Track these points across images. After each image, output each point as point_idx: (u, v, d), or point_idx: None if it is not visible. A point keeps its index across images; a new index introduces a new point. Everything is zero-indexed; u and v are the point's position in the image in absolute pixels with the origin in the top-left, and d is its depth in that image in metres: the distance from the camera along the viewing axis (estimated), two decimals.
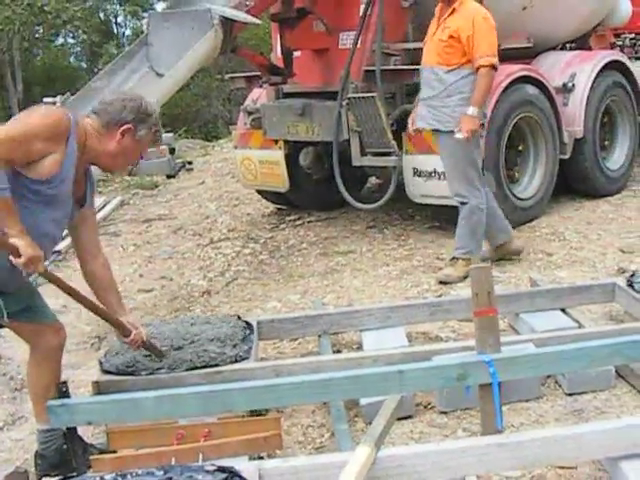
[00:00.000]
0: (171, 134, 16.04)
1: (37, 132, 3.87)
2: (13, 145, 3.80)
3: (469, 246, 6.89)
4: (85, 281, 4.52)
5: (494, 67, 6.58)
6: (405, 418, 4.53)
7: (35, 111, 4.02)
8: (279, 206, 10.18)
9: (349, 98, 7.93)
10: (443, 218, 8.47)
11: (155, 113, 4.34)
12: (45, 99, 8.04)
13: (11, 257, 3.85)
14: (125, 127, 4.16)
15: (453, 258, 6.95)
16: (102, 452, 4.39)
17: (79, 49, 41.34)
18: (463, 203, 6.85)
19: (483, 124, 6.99)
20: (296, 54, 8.69)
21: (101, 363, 4.80)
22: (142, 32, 8.39)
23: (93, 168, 4.40)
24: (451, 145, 6.74)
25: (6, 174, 3.80)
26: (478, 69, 6.54)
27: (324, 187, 9.32)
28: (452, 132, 6.65)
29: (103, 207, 11.18)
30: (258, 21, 8.27)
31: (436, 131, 6.89)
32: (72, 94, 7.55)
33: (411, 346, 5.20)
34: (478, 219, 6.85)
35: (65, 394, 4.06)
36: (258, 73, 9.12)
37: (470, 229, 6.88)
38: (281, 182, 9.20)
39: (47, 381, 4.39)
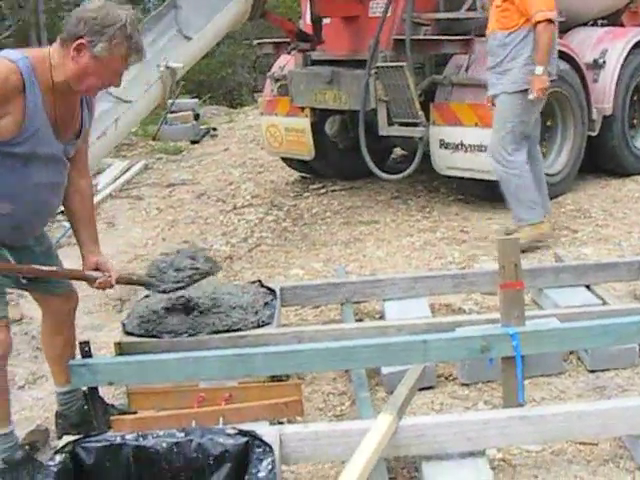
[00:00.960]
0: (196, 100, 16.01)
1: None
2: None
3: (520, 214, 6.91)
4: (64, 210, 4.24)
5: (551, 21, 6.53)
6: (426, 389, 4.52)
7: None
8: (303, 174, 10.16)
9: (378, 67, 7.88)
10: (468, 191, 8.43)
11: (120, 22, 3.69)
12: None
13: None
14: (77, 42, 3.67)
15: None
16: (122, 413, 4.40)
17: None
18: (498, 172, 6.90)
19: (553, 81, 6.91)
20: (325, 21, 8.64)
21: (124, 325, 4.80)
22: None
23: None
24: (503, 105, 6.78)
25: None
26: (535, 26, 6.51)
27: (349, 156, 9.28)
28: (515, 93, 6.68)
29: (127, 170, 11.18)
30: None
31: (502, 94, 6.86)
32: None
33: (434, 317, 5.19)
34: (516, 185, 6.84)
35: (87, 354, 4.07)
36: (286, 39, 9.06)
37: (513, 197, 6.92)
38: (306, 150, 9.16)
39: (60, 346, 4.40)
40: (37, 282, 4.21)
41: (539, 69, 6.51)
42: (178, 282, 4.59)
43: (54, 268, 4.12)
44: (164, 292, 4.63)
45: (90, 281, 4.15)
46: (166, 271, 4.63)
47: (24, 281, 4.11)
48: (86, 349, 4.06)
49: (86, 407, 4.44)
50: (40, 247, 4.18)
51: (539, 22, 6.48)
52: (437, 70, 8.32)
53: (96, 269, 4.13)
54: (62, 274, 4.21)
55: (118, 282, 4.29)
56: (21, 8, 25.50)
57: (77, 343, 4.15)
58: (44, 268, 4.05)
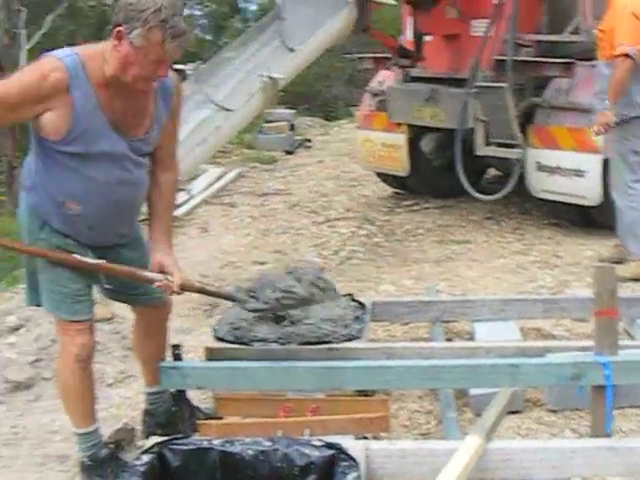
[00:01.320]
0: (292, 111, 16.12)
1: (20, 94, 3.55)
2: None
3: (629, 247, 6.77)
4: (147, 199, 4.06)
5: (628, 56, 6.29)
6: (513, 413, 4.46)
7: (23, 70, 3.73)
8: (396, 190, 10.15)
9: (478, 87, 7.87)
10: (562, 215, 8.35)
11: (155, 6, 3.50)
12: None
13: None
14: (116, 30, 3.54)
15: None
16: (208, 417, 4.44)
17: (205, 21, 41.85)
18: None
19: (622, 119, 6.57)
20: (427, 38, 8.64)
21: (214, 330, 4.83)
22: (270, 7, 8.43)
23: None
24: (612, 136, 6.65)
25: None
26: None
27: (443, 174, 9.27)
28: (619, 124, 6.52)
29: (221, 177, 11.30)
30: (393, 2, 8.25)
31: None
32: (203, 63, 7.64)
33: (524, 341, 5.14)
34: (631, 219, 6.68)
35: (178, 357, 4.12)
36: (386, 55, 9.09)
37: (625, 230, 6.76)
38: (401, 166, 9.17)
39: (151, 349, 4.41)
40: (126, 294, 4.21)
41: (606, 103, 6.41)
42: (266, 303, 4.49)
43: (115, 266, 3.93)
44: (247, 310, 4.60)
45: (151, 283, 3.99)
46: (263, 289, 4.62)
47: (107, 286, 4.05)
48: (177, 352, 4.11)
49: (173, 409, 4.48)
50: (130, 252, 4.07)
51: (616, 56, 6.33)
52: (537, 92, 8.25)
53: (161, 270, 3.97)
54: (121, 272, 3.99)
55: (184, 289, 4.07)
56: None
57: (170, 345, 4.18)
58: (104, 265, 3.90)
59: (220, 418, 4.38)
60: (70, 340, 3.94)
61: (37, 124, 3.67)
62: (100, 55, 3.64)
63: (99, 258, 3.92)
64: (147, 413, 4.58)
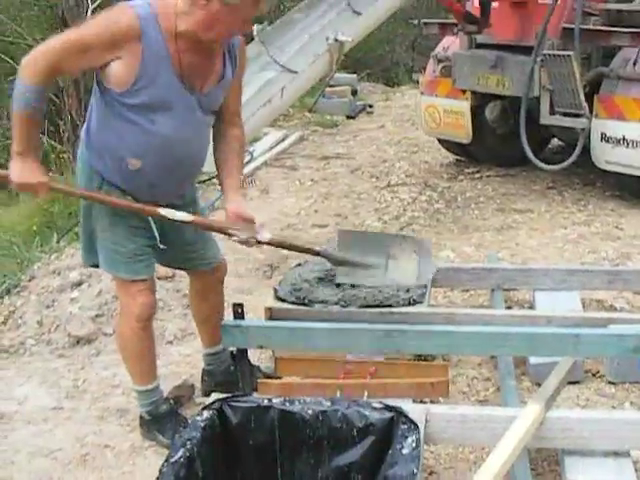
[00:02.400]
0: (354, 75, 16.06)
1: (93, 39, 3.57)
2: (68, 54, 3.58)
3: None
4: (214, 151, 4.08)
5: None
6: (572, 383, 4.45)
7: (100, 15, 3.74)
8: (458, 157, 10.10)
9: (544, 55, 7.75)
10: (626, 187, 8.25)
11: None
12: None
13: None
14: None
15: None
16: (268, 377, 4.48)
17: None
18: None
19: None
20: (494, 4, 8.54)
21: (275, 290, 4.85)
22: None
23: None
24: None
25: (47, 89, 3.66)
26: None
27: (506, 142, 9.19)
28: None
29: (283, 140, 11.32)
30: None
31: None
32: (269, 24, 7.62)
33: (585, 312, 5.11)
34: None
35: (240, 316, 4.14)
36: (452, 21, 9.02)
37: None
38: (464, 133, 9.10)
39: (207, 310, 4.47)
40: (178, 259, 4.25)
41: None
42: (358, 299, 4.48)
43: (190, 217, 3.93)
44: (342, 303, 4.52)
45: (229, 234, 3.95)
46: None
47: (161, 246, 4.01)
48: (239, 311, 4.11)
49: (232, 368, 4.53)
50: (186, 211, 4.02)
51: None
52: (604, 62, 8.13)
53: (239, 219, 3.93)
54: (199, 223, 4.06)
55: (267, 243, 4.07)
56: None
57: (230, 304, 4.20)
58: (178, 215, 3.89)
59: (279, 378, 4.41)
60: (131, 300, 4.00)
61: (103, 74, 3.68)
62: (172, 8, 3.65)
63: (156, 219, 3.95)
64: (206, 373, 4.65)
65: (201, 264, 4.30)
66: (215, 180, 6.79)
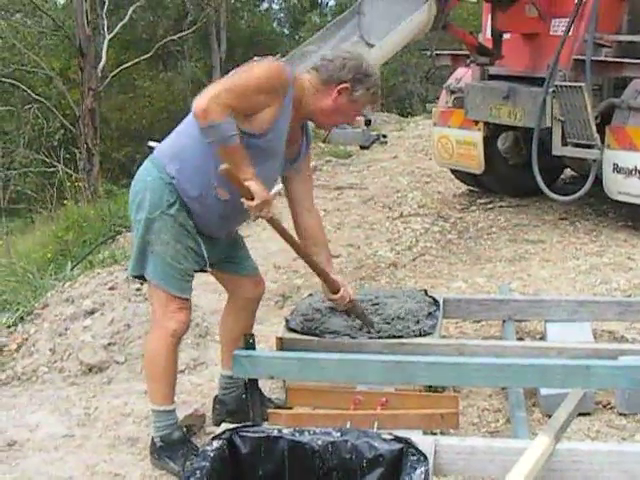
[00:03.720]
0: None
1: (260, 84, 3.92)
2: (238, 95, 3.86)
3: None
4: (297, 235, 4.49)
5: None
6: (583, 414, 4.44)
7: (258, 64, 4.04)
8: (471, 187, 10.14)
9: (556, 86, 7.80)
10: (638, 218, 8.26)
11: (375, 75, 4.22)
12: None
13: (243, 200, 3.92)
14: (342, 86, 4.09)
15: None
16: (278, 407, 4.49)
17: (282, 15, 42.02)
18: None
19: None
20: (505, 36, 8.60)
21: (287, 321, 4.88)
22: (349, 3, 8.42)
23: None
24: None
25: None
26: None
27: (519, 173, 9.22)
28: None
29: None
30: None
31: None
32: (282, 56, 7.65)
33: (597, 343, 5.11)
34: None
35: (251, 346, 4.16)
36: (464, 52, 9.08)
37: None
38: (476, 164, 9.14)
39: (238, 330, 4.49)
40: (222, 263, 4.41)
41: None
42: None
43: (313, 257, 4.43)
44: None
45: (334, 287, 4.49)
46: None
47: (209, 269, 4.30)
48: (250, 341, 4.15)
49: (244, 396, 4.54)
50: (228, 248, 4.43)
51: None
52: (615, 93, 8.17)
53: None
54: (316, 266, 4.45)
55: (351, 303, 4.60)
56: (207, 5, 26.16)
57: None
58: (316, 261, 4.43)
59: (289, 408, 4.42)
60: (170, 316, 4.13)
61: (247, 115, 3.97)
62: (301, 81, 4.14)
63: (205, 247, 4.19)
64: (218, 400, 4.67)
65: (244, 268, 4.53)
66: None
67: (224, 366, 4.63)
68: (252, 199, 3.91)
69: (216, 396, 4.69)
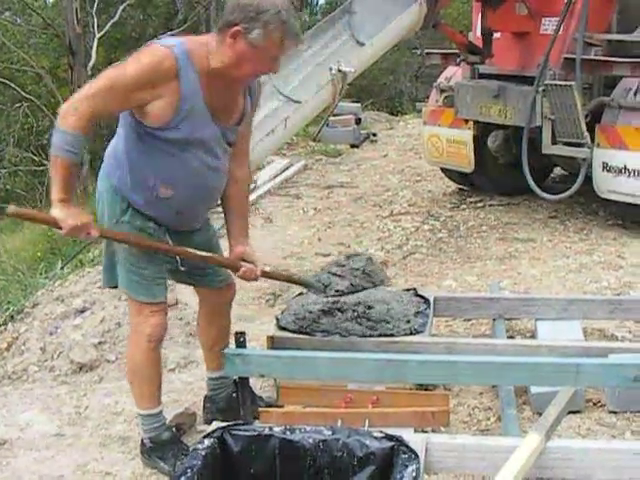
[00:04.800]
0: (358, 104, 16.12)
1: (132, 82, 3.67)
2: (104, 99, 3.68)
3: None
4: (223, 194, 4.24)
5: None
6: (573, 412, 4.45)
7: (134, 58, 3.76)
8: (461, 186, 10.15)
9: (546, 85, 7.82)
10: (627, 217, 8.28)
11: (274, 8, 3.70)
12: None
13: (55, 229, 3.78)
14: (234, 29, 3.71)
15: None
16: (269, 405, 4.50)
17: None
18: None
19: None
20: (496, 35, 8.62)
21: (278, 319, 4.89)
22: (340, 1, 8.44)
23: None
24: None
25: (89, 134, 3.73)
26: None
27: (509, 172, 9.23)
28: None
29: (287, 169, 11.36)
30: None
31: None
32: None
33: (587, 341, 5.12)
34: None
35: (242, 344, 4.16)
36: (454, 51, 9.09)
37: None
38: (466, 162, 9.15)
39: (214, 335, 4.53)
40: (193, 275, 4.31)
41: None
42: (352, 285, 4.72)
43: (205, 254, 4.15)
44: (325, 295, 4.71)
45: (235, 269, 4.22)
46: (334, 275, 4.75)
47: (182, 268, 4.17)
48: (241, 339, 4.14)
49: (234, 395, 4.55)
50: (201, 236, 4.26)
51: None
52: (605, 92, 8.19)
53: (242, 260, 4.18)
54: (211, 260, 4.23)
55: (264, 275, 4.40)
56: (197, 3, 26.10)
57: (233, 332, 4.23)
58: (197, 252, 4.10)
59: (280, 407, 4.43)
60: (144, 320, 4.08)
61: (140, 112, 3.80)
62: (204, 47, 3.82)
63: (175, 242, 4.08)
64: (208, 399, 4.67)
65: (214, 281, 4.39)
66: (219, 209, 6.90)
67: (208, 368, 4.65)
68: (60, 228, 3.73)
69: (206, 395, 4.70)
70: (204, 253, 4.14)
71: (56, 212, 3.67)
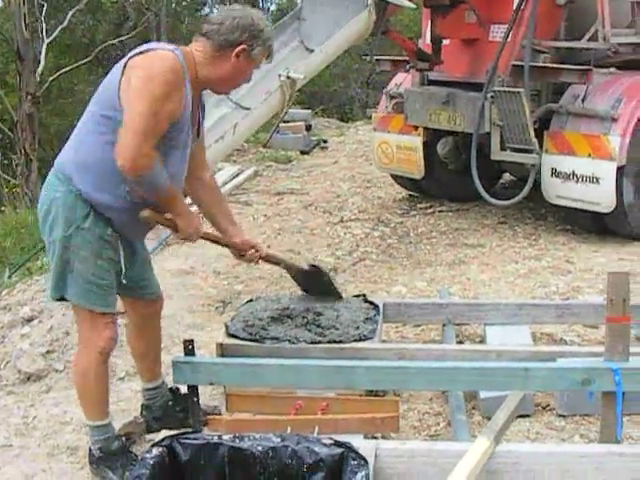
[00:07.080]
0: (308, 111, 16.14)
1: (163, 98, 3.71)
2: (153, 129, 3.72)
3: None
4: (198, 205, 4.50)
5: None
6: (523, 416, 4.48)
7: (144, 72, 3.75)
8: (411, 192, 10.18)
9: (494, 91, 7.89)
10: (576, 222, 8.36)
11: (267, 25, 4.02)
12: None
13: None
14: (240, 48, 3.89)
15: None
16: (208, 414, 4.46)
17: None
18: None
19: None
20: (445, 42, 8.67)
21: (227, 326, 4.87)
22: (289, 8, 8.45)
23: None
24: None
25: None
26: None
27: (458, 178, 9.29)
28: None
29: (237, 175, 11.33)
30: (412, 5, 8.26)
31: None
32: None
33: (535, 345, 5.15)
34: None
35: (191, 352, 4.13)
36: (404, 58, 9.13)
37: None
38: (416, 169, 9.19)
39: (143, 346, 4.52)
40: (132, 287, 4.26)
41: None
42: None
43: (219, 235, 4.50)
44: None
45: (238, 252, 4.55)
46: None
47: (124, 281, 4.11)
48: (190, 347, 4.11)
49: (170, 403, 4.58)
50: (143, 249, 4.37)
51: None
52: (553, 98, 8.29)
53: (249, 246, 4.55)
54: (223, 243, 4.53)
55: (266, 260, 4.81)
56: (147, 10, 25.98)
57: (182, 340, 4.19)
58: (209, 232, 4.44)
59: (219, 414, 4.43)
60: (96, 333, 4.04)
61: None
62: (191, 56, 3.92)
63: (126, 251, 4.10)
64: (145, 407, 4.65)
65: (147, 293, 4.39)
66: None
67: (142, 379, 4.64)
68: (177, 231, 4.01)
69: (142, 403, 4.68)
70: (216, 235, 4.53)
71: (179, 220, 4.02)
